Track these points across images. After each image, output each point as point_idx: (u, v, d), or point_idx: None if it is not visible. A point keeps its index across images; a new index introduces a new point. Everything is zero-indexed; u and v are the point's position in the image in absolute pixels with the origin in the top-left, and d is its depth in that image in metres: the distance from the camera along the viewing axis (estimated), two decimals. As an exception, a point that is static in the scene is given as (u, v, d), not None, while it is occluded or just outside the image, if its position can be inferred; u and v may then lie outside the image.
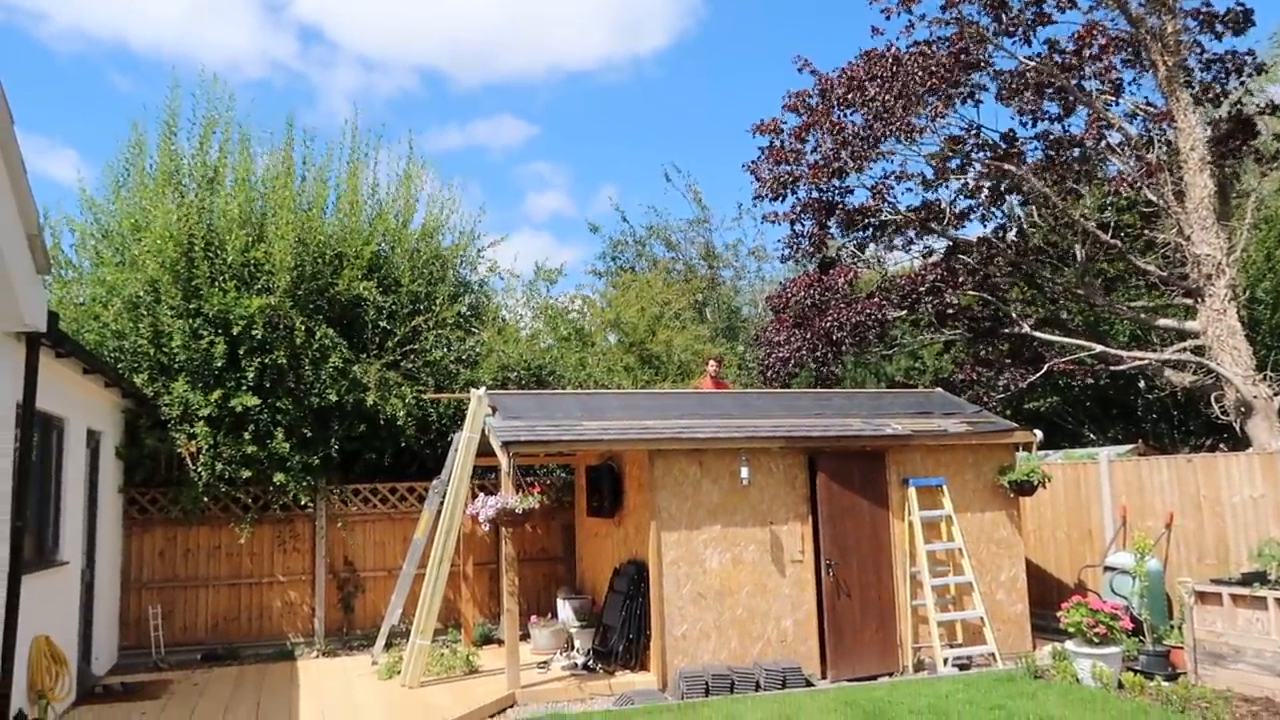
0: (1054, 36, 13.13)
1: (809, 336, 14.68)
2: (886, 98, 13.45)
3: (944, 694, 7.76)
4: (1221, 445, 13.98)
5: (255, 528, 11.05)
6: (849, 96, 14.08)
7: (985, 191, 14.57)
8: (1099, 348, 13.57)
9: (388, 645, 10.06)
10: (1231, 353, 11.62)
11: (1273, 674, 7.21)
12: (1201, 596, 7.80)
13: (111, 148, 30.55)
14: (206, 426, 10.52)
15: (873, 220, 15.12)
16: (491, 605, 11.43)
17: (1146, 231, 14.05)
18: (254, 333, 10.70)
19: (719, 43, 42.18)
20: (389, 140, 36.38)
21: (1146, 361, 13.26)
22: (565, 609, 10.27)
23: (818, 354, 14.66)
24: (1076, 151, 13.65)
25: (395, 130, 30.82)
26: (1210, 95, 13.22)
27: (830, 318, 14.52)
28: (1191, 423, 15.71)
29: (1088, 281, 14.42)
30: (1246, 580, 7.73)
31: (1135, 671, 7.95)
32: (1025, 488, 9.73)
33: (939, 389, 13.08)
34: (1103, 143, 13.29)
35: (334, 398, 11.04)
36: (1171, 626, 8.96)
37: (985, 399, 14.25)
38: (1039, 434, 10.28)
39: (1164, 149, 12.53)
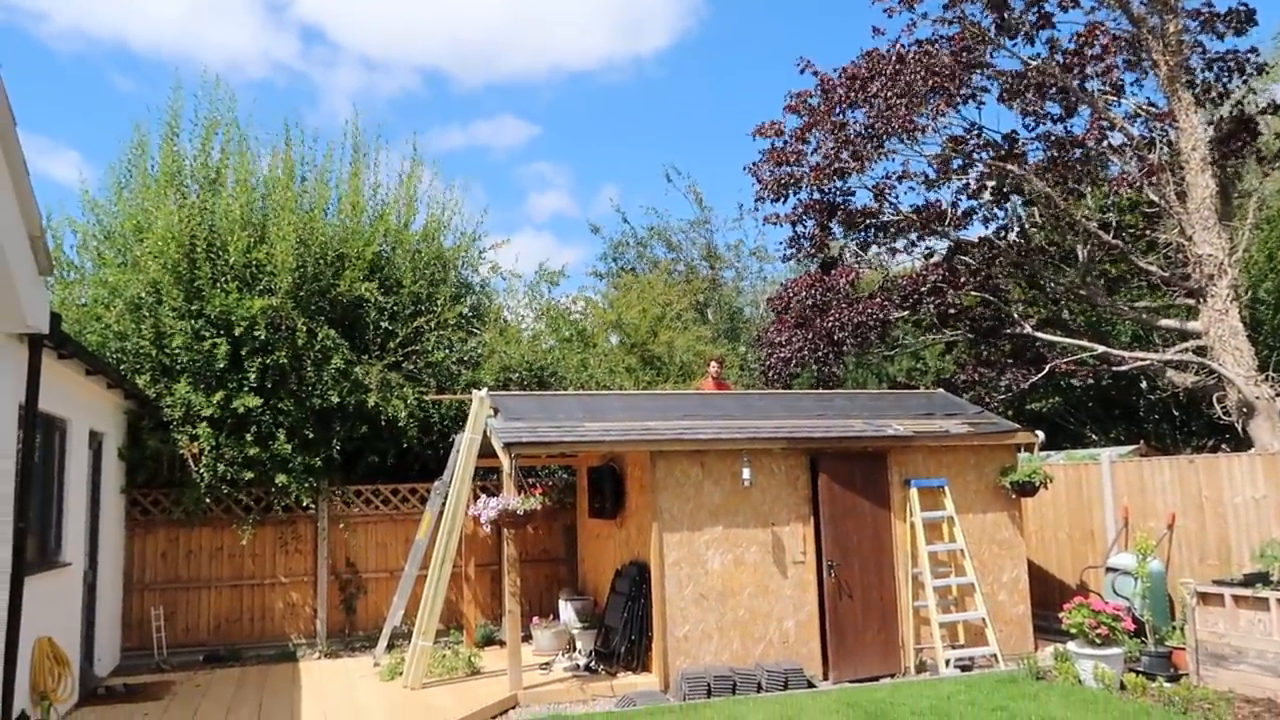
0: (1055, 37, 13.14)
1: (811, 337, 14.67)
2: (889, 94, 13.44)
3: (946, 695, 7.75)
4: (1223, 446, 13.96)
5: (257, 529, 11.05)
6: (851, 95, 14.08)
7: (988, 192, 14.56)
8: (1101, 348, 13.56)
9: (390, 646, 10.06)
10: (1233, 353, 11.61)
11: (1275, 675, 7.20)
12: (1203, 597, 7.80)
13: (113, 148, 30.60)
14: (208, 428, 10.53)
15: (874, 222, 15.12)
16: (493, 606, 11.43)
17: (1148, 232, 14.06)
18: (256, 334, 10.71)
19: (720, 43, 42.24)
20: (391, 141, 36.55)
21: (1148, 362, 13.25)
22: (567, 610, 10.27)
23: (819, 354, 14.66)
24: (1078, 152, 13.64)
25: (397, 130, 31.09)
26: (1212, 95, 13.22)
27: (832, 318, 14.52)
28: (1193, 423, 15.70)
29: (1090, 282, 14.42)
30: (1248, 581, 7.72)
31: (1137, 673, 7.95)
32: (1027, 489, 9.72)
33: (941, 390, 13.08)
34: (1104, 143, 13.29)
35: (336, 399, 11.05)
36: (1173, 627, 8.95)
37: (987, 400, 14.24)
38: (1041, 435, 10.27)
39: (1166, 149, 12.53)
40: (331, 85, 45.11)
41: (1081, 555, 11.05)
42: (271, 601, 11.14)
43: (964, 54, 13.14)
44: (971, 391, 14.53)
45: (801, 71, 14.94)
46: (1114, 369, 13.95)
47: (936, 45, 13.41)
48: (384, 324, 12.02)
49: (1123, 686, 7.76)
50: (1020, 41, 13.12)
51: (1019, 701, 7.41)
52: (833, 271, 15.38)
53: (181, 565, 10.90)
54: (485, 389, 9.92)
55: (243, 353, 10.76)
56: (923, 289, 14.55)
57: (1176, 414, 16.00)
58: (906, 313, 14.99)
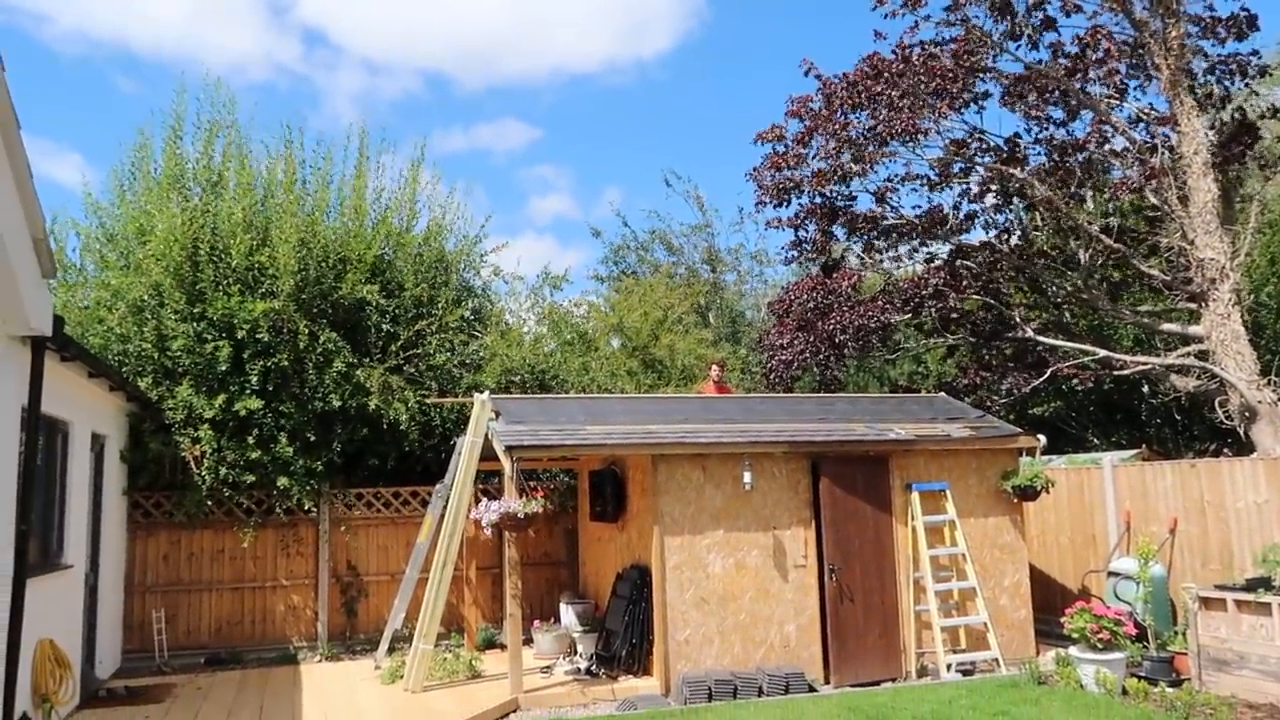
0: (1058, 40, 13.14)
1: (812, 340, 14.67)
2: (892, 94, 13.44)
3: (947, 700, 7.75)
4: (1225, 450, 13.94)
5: (258, 532, 11.06)
6: (853, 98, 14.07)
7: (989, 196, 14.56)
8: (1103, 352, 13.56)
9: (391, 649, 10.06)
10: (1235, 357, 11.60)
11: (1277, 680, 7.19)
12: (1206, 602, 7.79)
13: (116, 151, 30.58)
14: (210, 430, 10.54)
15: (876, 226, 15.11)
16: (494, 610, 11.43)
17: (1150, 236, 14.05)
18: (258, 337, 10.72)
19: (722, 45, 42.30)
20: (393, 143, 36.55)
21: (1150, 366, 13.24)
22: (568, 614, 10.26)
23: (821, 357, 14.66)
24: (1080, 156, 13.65)
25: (399, 133, 31.17)
26: (1213, 99, 13.22)
27: (833, 321, 14.51)
28: (1195, 427, 15.68)
29: (1091, 286, 14.41)
30: (1251, 586, 7.71)
31: (1139, 677, 7.94)
32: (1029, 493, 9.71)
33: (942, 393, 13.08)
34: (1106, 147, 13.30)
35: (337, 402, 11.06)
36: (1176, 632, 8.94)
37: (989, 403, 14.23)
38: (1042, 439, 10.25)
39: (1167, 153, 12.53)
40: (333, 88, 45.24)
41: (1083, 560, 11.04)
42: (273, 604, 11.14)
43: (966, 57, 13.15)
44: (973, 395, 14.52)
45: (805, 74, 14.91)
46: (1116, 373, 13.94)
47: (940, 48, 13.42)
48: (385, 327, 12.03)
49: (1125, 691, 7.74)
50: (1023, 45, 13.14)
51: (1021, 706, 7.41)
52: (834, 275, 15.37)
53: (183, 568, 10.90)
54: (487, 392, 9.93)
55: (244, 355, 10.77)
56: (924, 292, 14.55)
57: (1178, 418, 15.97)
58: (908, 316, 14.99)
